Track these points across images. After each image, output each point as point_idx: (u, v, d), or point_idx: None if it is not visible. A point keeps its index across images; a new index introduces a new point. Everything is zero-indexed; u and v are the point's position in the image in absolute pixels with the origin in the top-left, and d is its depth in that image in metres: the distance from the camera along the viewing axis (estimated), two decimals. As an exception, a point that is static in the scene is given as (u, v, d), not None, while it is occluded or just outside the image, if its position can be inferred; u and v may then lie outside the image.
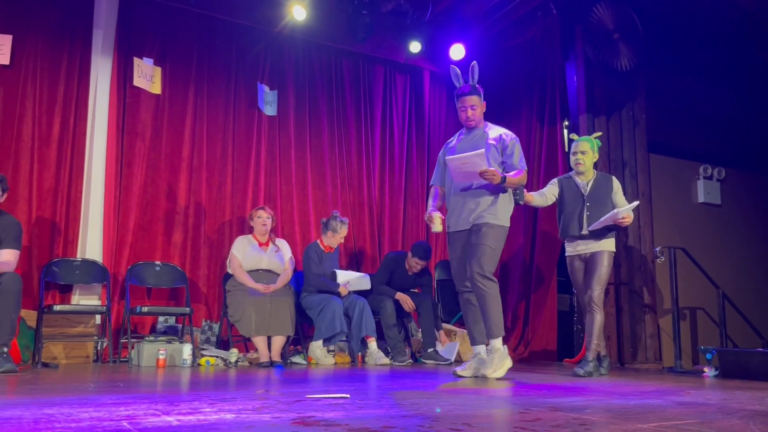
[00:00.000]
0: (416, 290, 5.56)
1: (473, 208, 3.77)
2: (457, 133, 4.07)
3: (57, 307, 4.50)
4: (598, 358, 4.20)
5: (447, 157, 3.78)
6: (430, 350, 5.17)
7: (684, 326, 6.08)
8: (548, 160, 5.89)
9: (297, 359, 5.04)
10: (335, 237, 5.27)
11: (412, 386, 3.03)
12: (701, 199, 6.51)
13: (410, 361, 5.12)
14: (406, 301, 5.26)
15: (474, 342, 3.84)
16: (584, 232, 4.21)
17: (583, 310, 4.25)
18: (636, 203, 4.19)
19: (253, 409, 2.08)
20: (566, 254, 4.37)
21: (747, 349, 4.42)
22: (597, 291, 4.13)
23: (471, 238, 3.75)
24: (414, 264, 5.36)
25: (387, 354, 5.17)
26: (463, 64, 6.65)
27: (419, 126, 6.85)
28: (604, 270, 4.16)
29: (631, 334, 5.55)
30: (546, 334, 5.69)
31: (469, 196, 3.80)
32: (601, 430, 1.72)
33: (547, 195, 4.41)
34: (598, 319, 4.12)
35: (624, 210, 4.07)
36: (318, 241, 5.34)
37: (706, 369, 4.42)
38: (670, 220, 6.20)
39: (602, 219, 4.14)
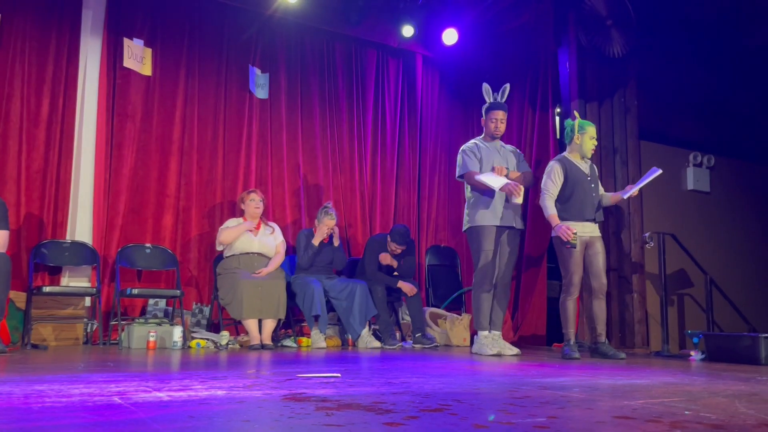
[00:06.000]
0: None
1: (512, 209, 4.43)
2: (475, 142, 4.58)
3: (46, 289, 4.48)
4: (597, 344, 4.29)
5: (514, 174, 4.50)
6: (417, 335, 5.20)
7: (672, 312, 6.12)
8: (539, 146, 5.88)
9: (288, 342, 5.05)
10: (320, 227, 5.23)
11: (402, 367, 3.04)
12: (691, 186, 6.54)
13: (400, 344, 5.14)
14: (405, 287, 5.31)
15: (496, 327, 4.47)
16: (596, 216, 4.39)
17: (587, 294, 4.40)
18: (659, 171, 4.38)
19: (244, 386, 2.09)
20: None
21: (733, 334, 4.47)
22: (605, 279, 4.35)
23: (513, 240, 4.45)
24: (393, 248, 5.38)
25: (377, 338, 5.19)
26: (456, 50, 6.67)
27: (411, 110, 6.83)
28: (604, 257, 4.39)
29: (620, 320, 5.59)
30: (535, 320, 5.72)
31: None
32: (588, 406, 1.74)
33: (557, 190, 4.43)
34: (604, 306, 4.34)
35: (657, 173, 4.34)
36: (313, 228, 5.34)
37: (692, 353, 4.47)
38: (659, 206, 6.23)
39: (646, 179, 4.36)
